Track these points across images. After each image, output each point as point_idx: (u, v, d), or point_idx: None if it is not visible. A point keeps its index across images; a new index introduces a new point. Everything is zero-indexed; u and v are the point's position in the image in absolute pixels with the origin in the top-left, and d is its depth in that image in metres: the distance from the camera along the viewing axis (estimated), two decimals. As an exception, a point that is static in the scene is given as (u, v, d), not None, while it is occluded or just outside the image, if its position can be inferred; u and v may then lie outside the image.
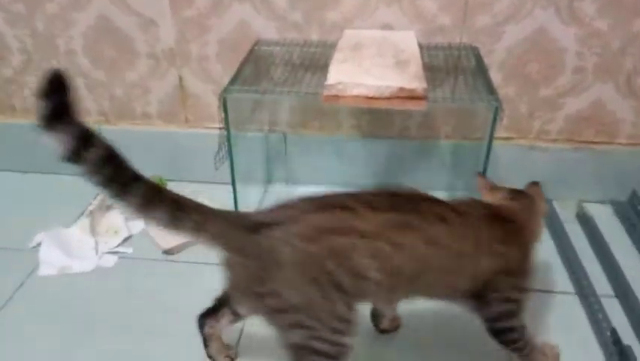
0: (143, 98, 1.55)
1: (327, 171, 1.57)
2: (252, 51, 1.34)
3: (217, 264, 1.32)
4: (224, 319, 1.01)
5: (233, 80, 1.18)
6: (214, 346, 1.04)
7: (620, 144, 1.46)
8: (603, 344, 1.10)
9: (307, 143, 1.55)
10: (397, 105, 1.07)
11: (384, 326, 1.13)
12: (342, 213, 0.84)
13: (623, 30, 1.31)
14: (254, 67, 1.31)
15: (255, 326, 1.16)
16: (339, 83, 1.07)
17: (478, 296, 0.93)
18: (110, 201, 1.46)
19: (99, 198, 1.48)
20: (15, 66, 1.54)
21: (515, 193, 1.02)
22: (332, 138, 1.54)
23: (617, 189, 1.50)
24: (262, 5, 1.37)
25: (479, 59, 1.29)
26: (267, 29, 1.39)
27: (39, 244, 1.37)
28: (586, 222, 1.44)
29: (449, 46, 1.34)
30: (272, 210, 0.86)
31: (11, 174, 1.67)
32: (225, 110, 1.16)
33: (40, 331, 1.15)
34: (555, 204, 1.49)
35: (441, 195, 1.58)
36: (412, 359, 1.10)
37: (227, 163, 1.22)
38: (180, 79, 1.50)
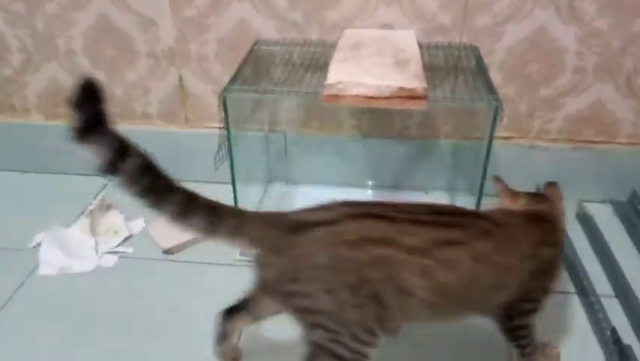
0: (143, 98, 1.55)
1: (327, 170, 1.57)
2: (251, 51, 1.33)
3: (217, 263, 1.33)
4: (244, 319, 1.00)
5: (233, 80, 1.18)
6: (226, 344, 1.02)
7: (620, 143, 1.46)
8: (603, 344, 1.10)
9: (307, 142, 1.55)
10: (397, 105, 1.07)
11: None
12: (387, 224, 0.82)
13: (623, 30, 1.31)
14: (254, 66, 1.31)
15: (255, 327, 1.16)
16: (339, 83, 1.07)
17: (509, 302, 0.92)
18: (109, 201, 1.46)
19: (99, 198, 1.48)
20: (15, 66, 1.54)
21: (538, 197, 1.02)
22: (332, 138, 1.54)
23: (617, 188, 1.50)
24: (262, 4, 1.37)
25: (479, 59, 1.29)
26: (266, 28, 1.39)
27: (39, 244, 1.37)
28: (586, 221, 1.44)
29: (449, 45, 1.34)
30: (311, 211, 0.85)
31: (11, 174, 1.67)
32: (225, 110, 1.16)
33: (40, 331, 1.15)
34: (555, 203, 1.49)
35: (441, 195, 1.60)
36: (412, 358, 1.09)
37: (227, 163, 1.22)
38: (180, 79, 1.50)
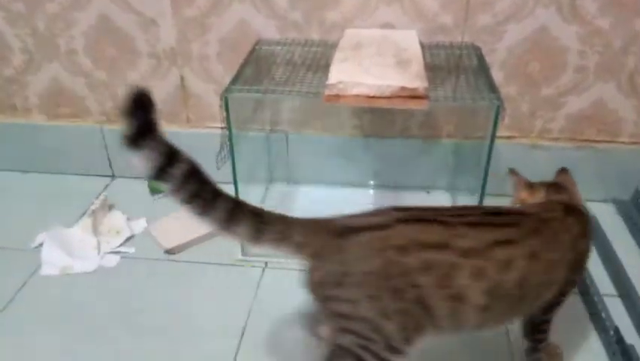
0: (144, 97, 1.55)
1: (328, 170, 1.57)
2: (252, 51, 1.33)
3: (219, 263, 1.33)
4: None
5: (235, 80, 1.18)
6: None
7: (622, 142, 1.46)
8: (606, 343, 1.10)
9: (309, 142, 1.55)
10: (399, 104, 1.07)
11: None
12: (438, 227, 0.81)
13: (624, 29, 1.31)
14: (255, 66, 1.31)
15: (256, 327, 1.16)
16: (340, 83, 1.07)
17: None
18: (111, 201, 1.46)
19: (101, 198, 1.48)
20: (16, 66, 1.54)
21: (555, 186, 1.00)
22: (333, 138, 1.54)
23: (620, 188, 1.50)
24: (262, 4, 1.37)
25: (481, 58, 1.29)
26: (267, 28, 1.39)
27: (41, 244, 1.37)
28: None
29: (451, 45, 1.34)
30: (357, 216, 0.84)
31: (12, 174, 1.67)
32: (227, 110, 1.16)
33: (42, 330, 1.16)
34: (557, 203, 1.48)
35: (443, 194, 1.60)
36: (411, 358, 1.09)
37: (228, 163, 1.22)
38: (182, 79, 1.50)
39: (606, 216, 1.45)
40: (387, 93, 1.06)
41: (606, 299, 1.18)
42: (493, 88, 1.13)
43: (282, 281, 1.27)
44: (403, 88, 1.05)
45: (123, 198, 1.53)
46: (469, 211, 0.87)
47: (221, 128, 1.19)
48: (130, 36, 1.45)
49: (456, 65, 1.30)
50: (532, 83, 1.40)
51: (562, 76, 1.38)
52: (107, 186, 1.60)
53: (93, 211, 1.43)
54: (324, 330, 0.91)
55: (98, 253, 1.35)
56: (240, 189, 1.25)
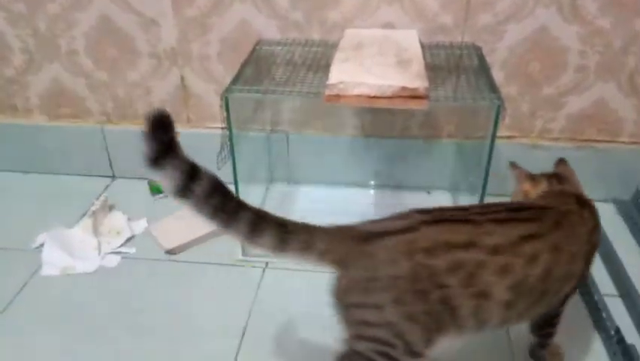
0: (145, 98, 1.55)
1: (329, 170, 1.57)
2: (253, 51, 1.33)
3: (219, 264, 1.33)
4: None
5: (235, 80, 1.18)
6: None
7: (622, 142, 1.46)
8: (607, 343, 1.10)
9: (309, 142, 1.55)
10: (399, 104, 1.07)
11: None
12: (464, 226, 0.81)
13: (625, 28, 1.31)
14: (255, 67, 1.31)
15: (257, 327, 1.16)
16: (341, 83, 1.07)
17: None
18: (112, 201, 1.46)
19: (101, 198, 1.48)
20: (17, 66, 1.54)
21: (556, 177, 1.00)
22: (334, 138, 1.54)
23: (620, 187, 1.50)
24: (263, 4, 1.37)
25: (481, 58, 1.29)
26: (267, 28, 1.39)
27: (41, 245, 1.37)
28: (589, 221, 1.43)
29: (451, 45, 1.34)
30: (380, 221, 0.84)
31: (13, 174, 1.67)
32: (227, 110, 1.16)
33: (43, 331, 1.16)
34: (558, 203, 1.48)
35: (443, 194, 1.60)
36: None
37: (229, 163, 1.22)
38: (182, 79, 1.50)
39: (606, 216, 1.44)
40: (388, 93, 1.06)
41: (607, 299, 1.18)
42: (493, 88, 1.13)
43: (283, 281, 1.27)
44: (403, 88, 1.05)
45: (124, 198, 1.53)
46: (492, 208, 0.86)
47: (222, 128, 1.19)
48: (130, 36, 1.46)
49: (456, 65, 1.30)
50: (532, 83, 1.40)
51: (562, 76, 1.38)
52: (107, 186, 1.60)
53: (94, 212, 1.43)
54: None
55: (99, 253, 1.36)
56: (240, 189, 1.25)
